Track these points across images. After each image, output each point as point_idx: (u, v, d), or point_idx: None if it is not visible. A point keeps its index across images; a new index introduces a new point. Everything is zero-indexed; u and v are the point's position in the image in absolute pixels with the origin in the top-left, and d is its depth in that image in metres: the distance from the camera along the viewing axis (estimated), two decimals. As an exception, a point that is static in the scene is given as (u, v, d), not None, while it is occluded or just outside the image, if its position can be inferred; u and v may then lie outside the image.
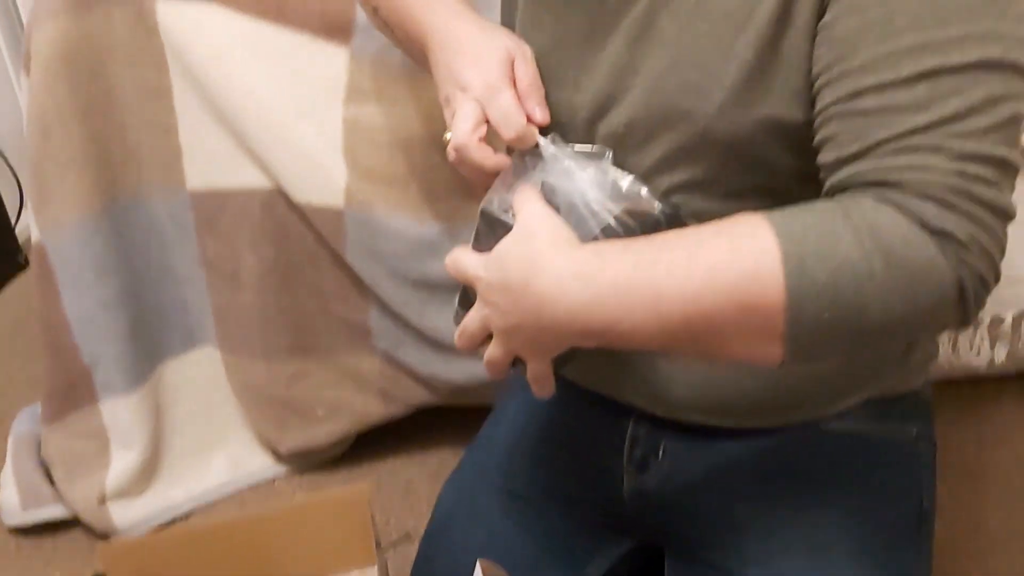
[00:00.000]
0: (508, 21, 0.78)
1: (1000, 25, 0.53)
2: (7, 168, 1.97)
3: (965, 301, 0.54)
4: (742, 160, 0.64)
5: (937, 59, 0.52)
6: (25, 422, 1.39)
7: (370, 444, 1.37)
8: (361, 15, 1.15)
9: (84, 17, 1.13)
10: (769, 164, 0.64)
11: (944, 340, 1.27)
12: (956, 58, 0.52)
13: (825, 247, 0.53)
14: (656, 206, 0.64)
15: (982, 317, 1.25)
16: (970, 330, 1.26)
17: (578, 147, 0.68)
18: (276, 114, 1.14)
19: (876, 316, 0.53)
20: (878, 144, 0.54)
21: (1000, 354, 1.27)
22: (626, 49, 0.66)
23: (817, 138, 0.58)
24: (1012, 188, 0.55)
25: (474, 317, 0.65)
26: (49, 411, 1.28)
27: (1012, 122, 0.53)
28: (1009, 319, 1.24)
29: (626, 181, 0.65)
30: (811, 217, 0.55)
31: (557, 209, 0.63)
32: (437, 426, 1.37)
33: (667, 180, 0.67)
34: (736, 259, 0.54)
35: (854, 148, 0.55)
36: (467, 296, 0.69)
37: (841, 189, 0.56)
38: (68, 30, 1.13)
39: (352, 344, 1.27)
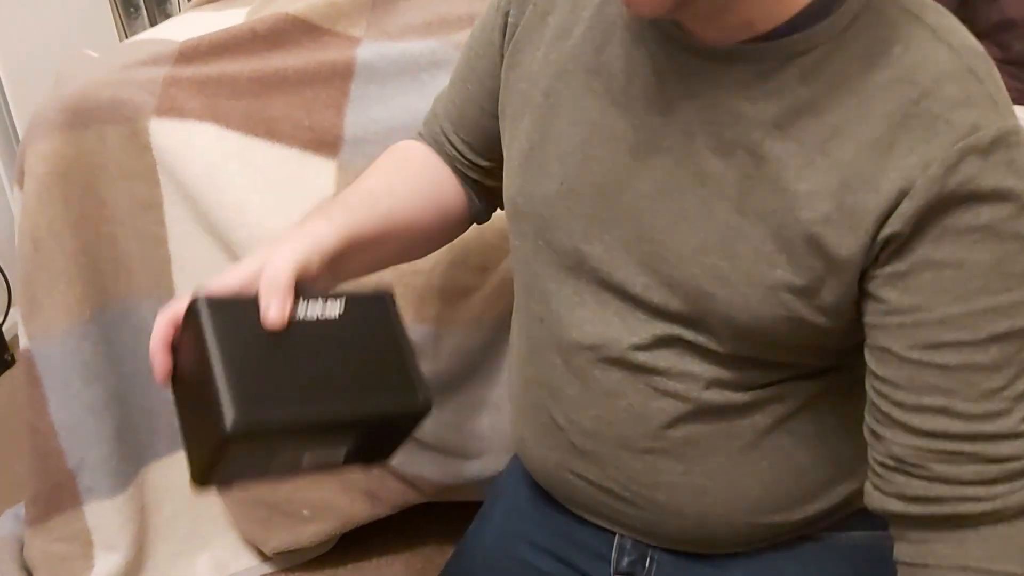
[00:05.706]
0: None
1: None
2: (-4, 268, 1.98)
3: None
4: (755, 339, 0.67)
5: (1007, 323, 0.60)
6: (7, 524, 1.38)
7: (356, 540, 1.37)
8: (348, 130, 1.19)
9: (79, 135, 1.15)
10: (778, 345, 0.67)
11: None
12: (1022, 321, 0.61)
13: None
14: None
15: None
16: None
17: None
18: (265, 224, 1.16)
19: None
20: (963, 415, 0.62)
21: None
22: (645, 212, 0.67)
23: (886, 372, 0.64)
24: None
25: None
26: (32, 514, 1.27)
27: None
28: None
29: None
30: None
31: None
32: (423, 522, 1.38)
33: (668, 331, 0.69)
34: None
35: (940, 402, 0.62)
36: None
37: (924, 434, 0.63)
38: (62, 148, 1.14)
39: (338, 445, 1.28)
